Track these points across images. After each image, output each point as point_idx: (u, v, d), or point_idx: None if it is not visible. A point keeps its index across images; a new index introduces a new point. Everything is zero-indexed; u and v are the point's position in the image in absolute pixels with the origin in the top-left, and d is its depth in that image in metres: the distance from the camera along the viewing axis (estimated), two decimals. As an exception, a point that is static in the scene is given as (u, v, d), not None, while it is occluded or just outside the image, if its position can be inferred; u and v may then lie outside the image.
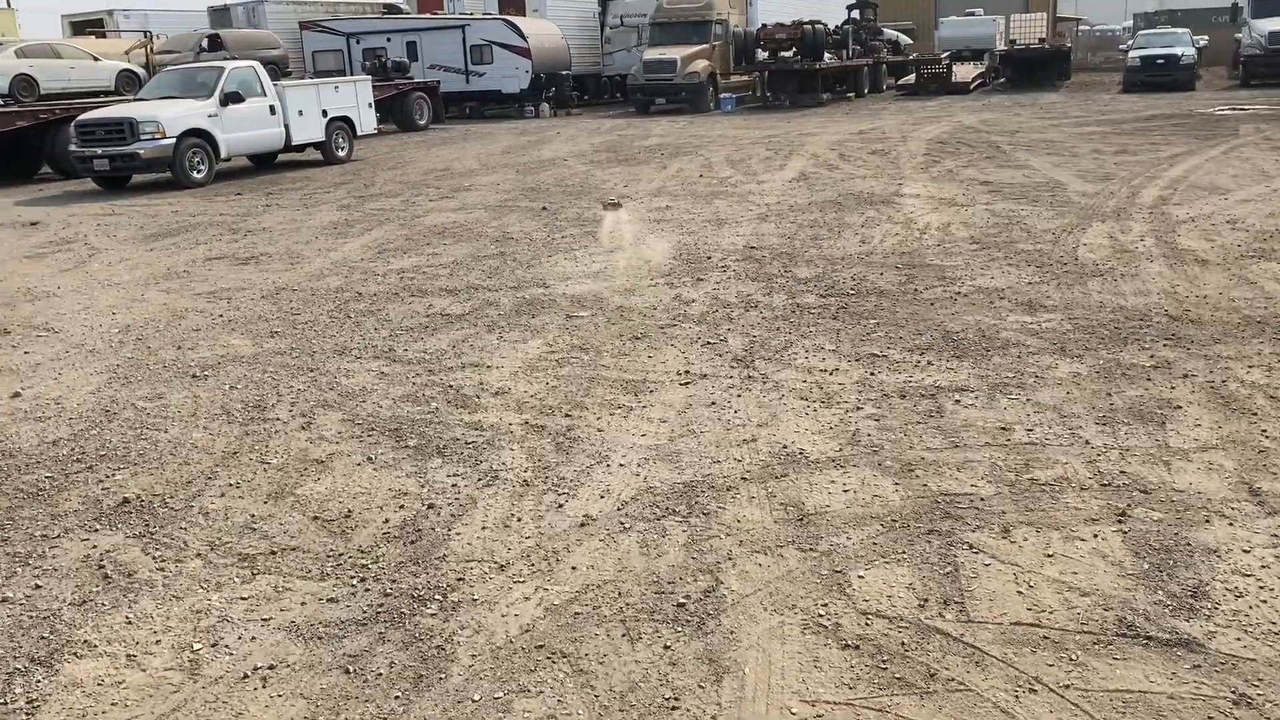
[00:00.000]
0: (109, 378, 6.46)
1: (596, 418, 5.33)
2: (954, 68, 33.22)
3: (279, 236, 11.54)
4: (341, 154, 19.71)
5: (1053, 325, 6.54)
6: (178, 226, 12.64)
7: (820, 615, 3.40)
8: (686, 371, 6.00)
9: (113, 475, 4.87)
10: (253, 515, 4.37)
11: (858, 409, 5.24)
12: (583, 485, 4.48)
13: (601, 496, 4.35)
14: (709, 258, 9.20)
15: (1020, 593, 3.48)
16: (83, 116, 16.99)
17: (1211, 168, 13.23)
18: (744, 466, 4.59)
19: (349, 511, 4.36)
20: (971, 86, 32.36)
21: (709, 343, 6.55)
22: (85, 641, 3.49)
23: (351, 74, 27.21)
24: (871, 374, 5.77)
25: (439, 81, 28.95)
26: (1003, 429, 4.88)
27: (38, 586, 3.86)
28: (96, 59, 23.35)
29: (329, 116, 19.42)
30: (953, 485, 4.30)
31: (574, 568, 3.77)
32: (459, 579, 3.73)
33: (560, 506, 4.28)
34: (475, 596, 3.60)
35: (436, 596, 3.62)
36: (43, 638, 3.51)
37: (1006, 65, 34.41)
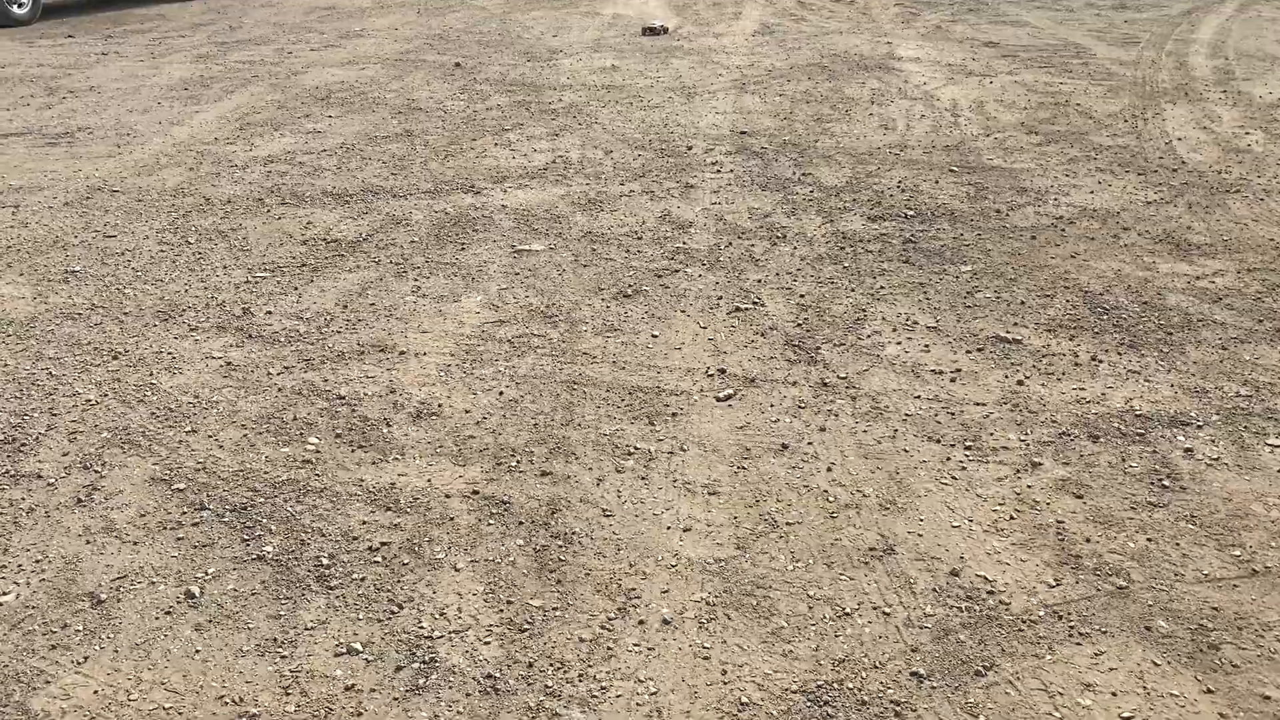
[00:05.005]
0: None
1: (596, 480, 3.14)
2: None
3: (110, 100, 8.73)
4: (201, -14, 16.32)
5: (1230, 282, 4.51)
6: (-25, 82, 9.65)
7: None
8: (721, 370, 3.81)
9: None
10: (-66, 781, 2.14)
11: (1033, 465, 3.15)
12: (608, 694, 2.33)
13: (653, 736, 2.22)
14: (690, 148, 6.88)
15: None
16: None
17: (1241, 30, 11.20)
18: (897, 630, 2.49)
19: (136, 774, 2.15)
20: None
21: (739, 308, 4.35)
22: None
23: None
24: (1018, 381, 3.67)
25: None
26: (1306, 524, 2.87)
27: None
28: None
29: (183, -62, 15.95)
30: (1318, 697, 2.28)
31: None
32: None
33: (576, 775, 2.14)
34: None
35: None
36: None
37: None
